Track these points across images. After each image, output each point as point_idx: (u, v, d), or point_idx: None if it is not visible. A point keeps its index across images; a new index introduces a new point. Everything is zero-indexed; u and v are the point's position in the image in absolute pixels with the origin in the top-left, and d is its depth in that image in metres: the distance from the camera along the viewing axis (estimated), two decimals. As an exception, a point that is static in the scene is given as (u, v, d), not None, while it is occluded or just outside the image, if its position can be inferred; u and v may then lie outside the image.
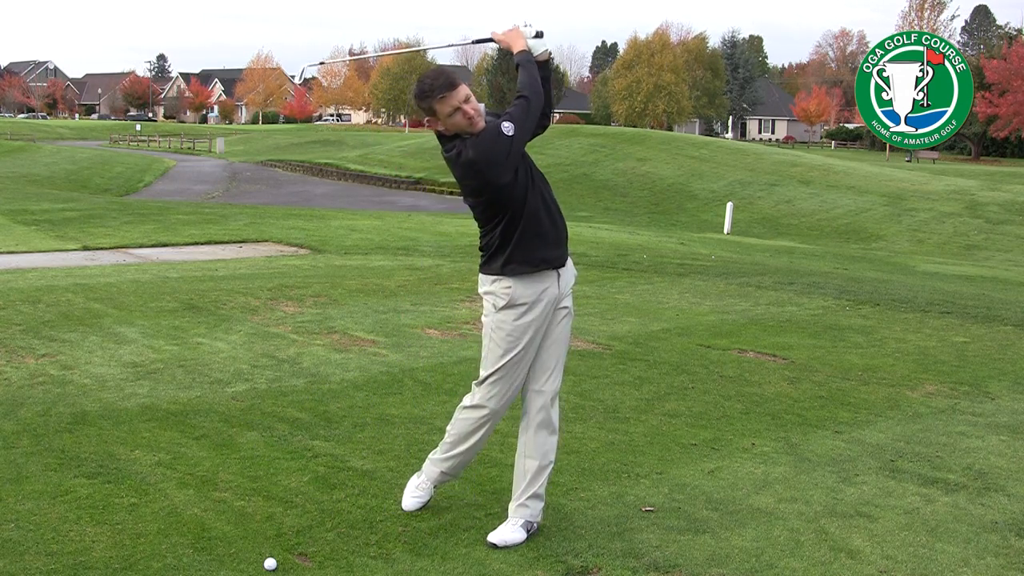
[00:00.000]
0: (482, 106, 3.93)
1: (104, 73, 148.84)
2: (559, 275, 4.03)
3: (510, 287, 3.93)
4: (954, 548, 4.07)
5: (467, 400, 4.14)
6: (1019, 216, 27.57)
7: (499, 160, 3.79)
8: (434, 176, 38.24)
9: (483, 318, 4.07)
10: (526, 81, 3.95)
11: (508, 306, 3.94)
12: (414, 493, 4.29)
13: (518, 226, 3.90)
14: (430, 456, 4.33)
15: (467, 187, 3.93)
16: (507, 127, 3.80)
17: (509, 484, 4.50)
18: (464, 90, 3.82)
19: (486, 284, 4.03)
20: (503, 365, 3.97)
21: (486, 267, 4.02)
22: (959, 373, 7.27)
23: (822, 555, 3.96)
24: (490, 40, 4.17)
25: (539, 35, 4.06)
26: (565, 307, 4.08)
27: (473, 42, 4.37)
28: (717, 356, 7.51)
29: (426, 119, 3.93)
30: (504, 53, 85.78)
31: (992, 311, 10.29)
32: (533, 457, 4.05)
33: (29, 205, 20.34)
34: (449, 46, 4.81)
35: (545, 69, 4.06)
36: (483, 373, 4.05)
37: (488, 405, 4.05)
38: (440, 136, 3.95)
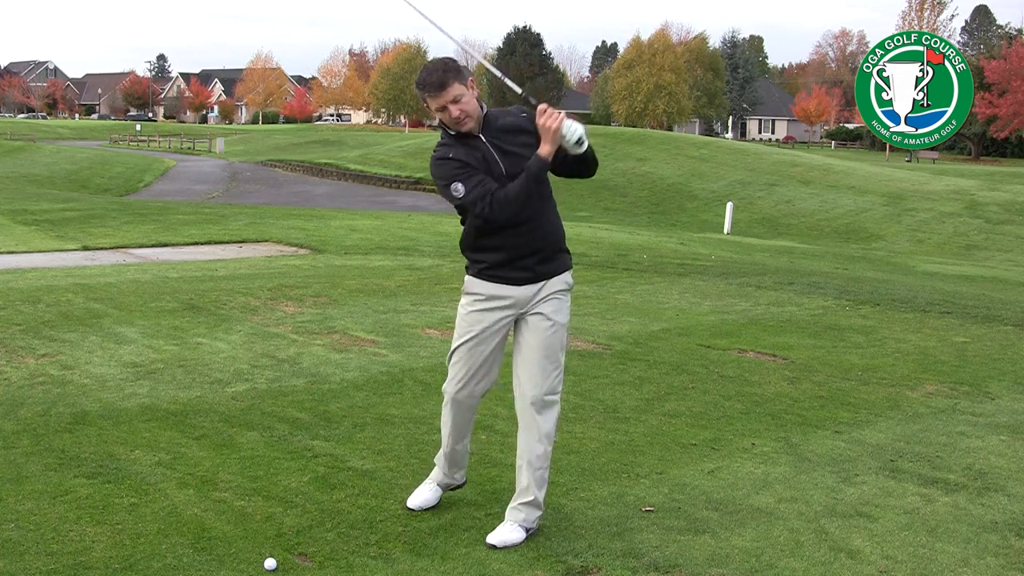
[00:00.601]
0: (479, 108, 3.90)
1: (104, 73, 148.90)
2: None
3: (468, 279, 4.10)
4: (954, 548, 4.07)
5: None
6: (1019, 216, 27.56)
7: (442, 187, 3.93)
8: (434, 176, 38.16)
9: None
10: (518, 190, 3.77)
11: (465, 292, 4.10)
12: (420, 491, 4.32)
13: (483, 238, 3.97)
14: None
15: None
16: (457, 189, 3.84)
17: (509, 484, 4.50)
18: (453, 91, 3.80)
19: None
20: (457, 348, 4.08)
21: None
22: (959, 373, 7.27)
23: (822, 555, 3.96)
24: (534, 105, 3.85)
25: (579, 142, 3.76)
26: (539, 313, 4.00)
27: (520, 90, 4.02)
28: (717, 356, 7.50)
29: (423, 104, 4.09)
30: (505, 53, 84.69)
31: (992, 311, 10.29)
32: (522, 458, 4.07)
33: (29, 205, 20.34)
34: (491, 69, 4.26)
35: (585, 163, 3.95)
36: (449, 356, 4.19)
37: (446, 388, 4.14)
38: (442, 128, 4.05)
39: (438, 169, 3.92)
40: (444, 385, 4.17)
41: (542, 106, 3.77)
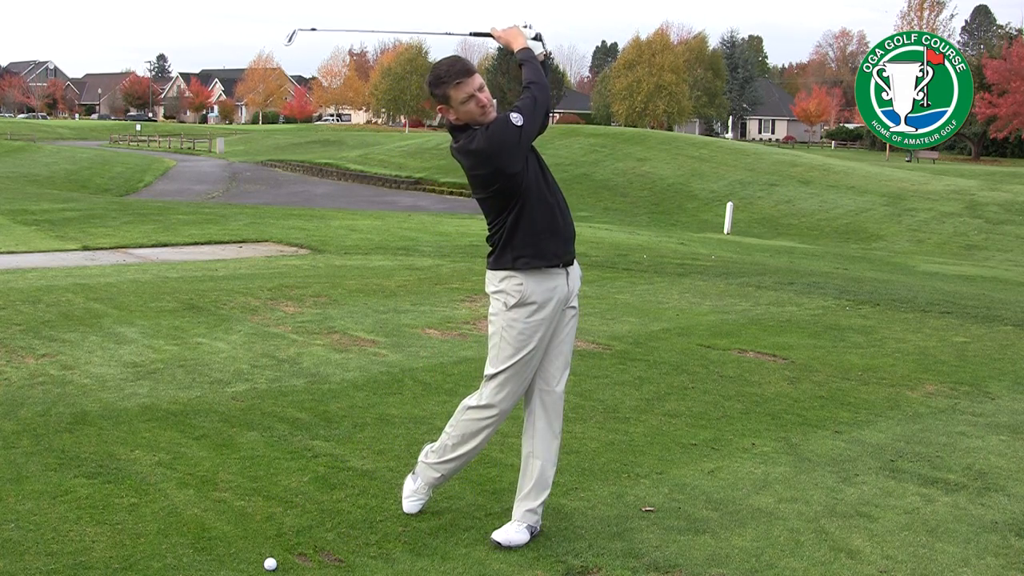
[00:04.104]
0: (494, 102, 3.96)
1: (104, 73, 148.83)
2: (568, 273, 4.00)
3: (521, 284, 3.88)
4: (954, 548, 4.07)
5: (473, 400, 4.07)
6: (1019, 216, 27.56)
7: (510, 149, 3.78)
8: (434, 176, 38.27)
9: (490, 316, 4.00)
10: (531, 76, 3.94)
11: (520, 304, 3.89)
12: (411, 497, 4.25)
13: (530, 219, 3.86)
14: (423, 460, 4.23)
15: (477, 178, 3.88)
16: (516, 117, 3.81)
17: (509, 484, 4.51)
18: (479, 79, 3.84)
19: (495, 282, 3.95)
20: (514, 364, 3.91)
21: (496, 263, 3.94)
22: (959, 373, 7.26)
23: (822, 555, 3.96)
24: (488, 35, 4.14)
25: (538, 37, 4.05)
26: (573, 307, 4.06)
27: (471, 34, 4.32)
28: (717, 356, 7.50)
29: (439, 107, 3.94)
30: (505, 53, 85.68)
31: (992, 311, 10.29)
32: (538, 457, 4.03)
33: (29, 205, 20.34)
34: (446, 34, 4.70)
35: (544, 69, 4.04)
36: (491, 371, 3.97)
37: (497, 405, 3.98)
38: (451, 128, 3.94)
39: (492, 132, 3.77)
40: (488, 400, 3.99)
41: (492, 28, 4.05)
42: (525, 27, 4.08)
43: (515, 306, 3.89)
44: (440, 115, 3.97)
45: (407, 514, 4.22)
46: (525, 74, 3.97)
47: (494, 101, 3.92)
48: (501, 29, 4.07)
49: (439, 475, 4.19)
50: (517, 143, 3.78)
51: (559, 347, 4.03)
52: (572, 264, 4.02)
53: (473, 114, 3.83)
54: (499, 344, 3.94)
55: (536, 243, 3.87)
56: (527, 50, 4.00)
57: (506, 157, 3.78)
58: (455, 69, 3.81)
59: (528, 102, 3.87)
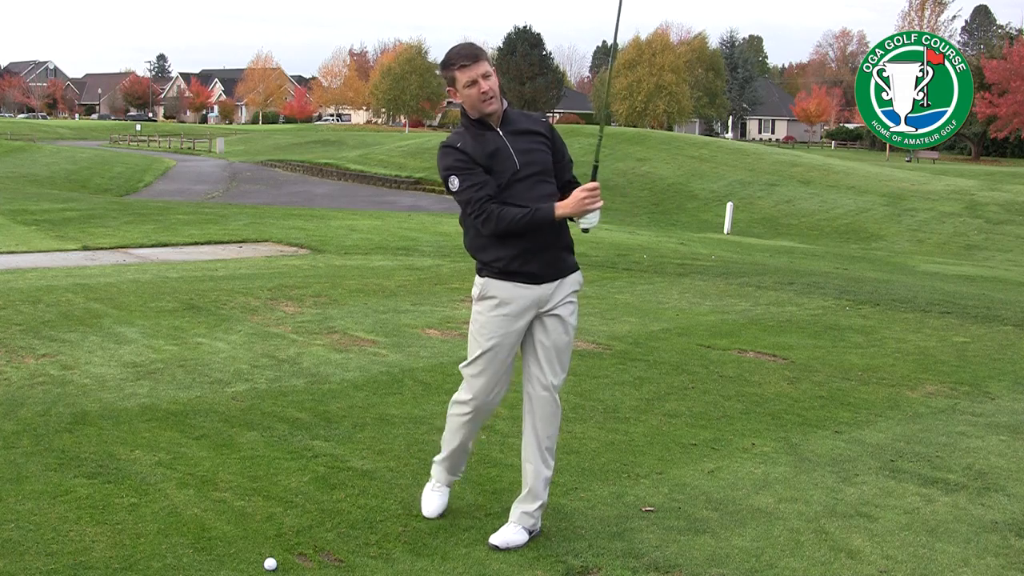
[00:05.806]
0: (502, 99, 3.95)
1: (104, 73, 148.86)
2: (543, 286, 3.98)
3: (487, 280, 3.96)
4: (954, 548, 4.07)
5: (455, 396, 4.14)
6: (1019, 216, 27.55)
7: (441, 177, 3.97)
8: (434, 176, 38.20)
9: None
10: (516, 221, 3.78)
11: (483, 297, 3.96)
12: (430, 498, 4.26)
13: (488, 240, 3.91)
14: (434, 458, 4.35)
15: None
16: (453, 183, 3.87)
17: (509, 484, 4.51)
18: (485, 66, 3.85)
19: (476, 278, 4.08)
20: (480, 357, 3.95)
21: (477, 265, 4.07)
22: (959, 373, 7.27)
23: (822, 555, 3.96)
24: (595, 168, 4.00)
25: (586, 230, 3.92)
26: (556, 315, 3.98)
27: (599, 140, 4.26)
28: (717, 356, 7.50)
29: (448, 88, 4.00)
30: (505, 54, 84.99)
31: (992, 311, 10.29)
32: (530, 461, 4.04)
33: (29, 205, 20.34)
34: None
35: (535, 223, 3.83)
36: (463, 364, 4.05)
37: (469, 399, 4.02)
38: (462, 111, 4.03)
39: (443, 157, 3.92)
40: (461, 396, 4.06)
41: (595, 184, 3.85)
42: (594, 212, 3.84)
43: (480, 299, 3.98)
44: (451, 97, 4.03)
45: (407, 513, 4.22)
46: (531, 212, 3.80)
47: (504, 102, 3.93)
48: (594, 197, 3.81)
49: (443, 471, 4.27)
50: (444, 182, 3.94)
51: (541, 350, 3.99)
52: (554, 280, 3.96)
53: (473, 99, 3.86)
54: (470, 337, 4.04)
55: (500, 261, 3.89)
56: (553, 216, 3.80)
57: (440, 175, 3.97)
58: (463, 52, 3.86)
59: (478, 202, 3.78)
